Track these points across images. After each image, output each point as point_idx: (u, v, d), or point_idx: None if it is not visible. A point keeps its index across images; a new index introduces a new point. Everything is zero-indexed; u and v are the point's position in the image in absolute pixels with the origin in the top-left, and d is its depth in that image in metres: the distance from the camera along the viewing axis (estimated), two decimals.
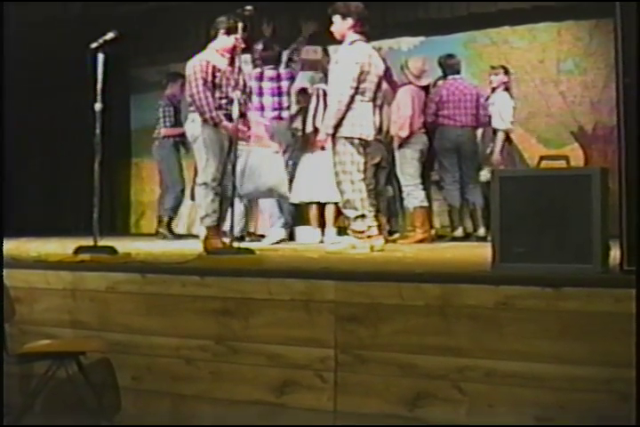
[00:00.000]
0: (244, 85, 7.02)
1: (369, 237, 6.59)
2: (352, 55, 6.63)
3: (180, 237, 9.69)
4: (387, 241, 7.41)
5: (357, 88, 6.57)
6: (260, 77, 8.55)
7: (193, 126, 6.74)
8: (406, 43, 10.60)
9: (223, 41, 6.81)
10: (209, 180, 6.66)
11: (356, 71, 6.54)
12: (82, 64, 5.96)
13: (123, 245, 6.39)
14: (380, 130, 8.27)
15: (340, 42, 6.84)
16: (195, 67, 6.69)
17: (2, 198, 7.27)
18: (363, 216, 6.59)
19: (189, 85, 6.68)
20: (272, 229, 8.57)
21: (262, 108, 8.47)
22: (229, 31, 6.74)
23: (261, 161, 7.47)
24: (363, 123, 6.66)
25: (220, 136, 6.64)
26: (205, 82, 6.61)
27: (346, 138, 6.58)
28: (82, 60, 5.96)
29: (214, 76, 6.65)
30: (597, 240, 4.03)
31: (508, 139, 8.66)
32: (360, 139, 6.64)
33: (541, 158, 4.59)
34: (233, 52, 6.71)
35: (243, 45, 6.68)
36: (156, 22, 11.04)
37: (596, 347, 3.73)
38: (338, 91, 6.59)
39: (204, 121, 6.62)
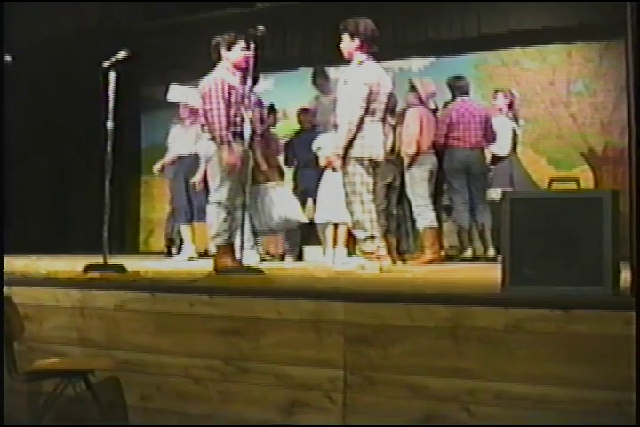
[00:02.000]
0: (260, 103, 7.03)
1: (378, 257, 6.59)
2: (361, 75, 6.63)
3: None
4: (394, 261, 7.44)
5: (367, 108, 6.58)
6: None
7: (207, 145, 6.74)
8: (417, 63, 10.65)
9: (229, 58, 6.82)
10: (223, 199, 6.65)
11: (364, 91, 6.55)
12: (94, 81, 5.97)
13: (132, 264, 6.39)
14: (392, 150, 8.30)
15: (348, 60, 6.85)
16: (210, 85, 6.68)
17: (3, 214, 7.27)
18: (372, 237, 6.59)
19: (204, 103, 6.69)
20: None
21: None
22: (230, 46, 6.78)
23: (271, 197, 7.62)
24: (372, 143, 6.65)
25: (233, 155, 6.63)
26: (221, 100, 6.60)
27: (356, 159, 6.58)
28: (94, 77, 5.97)
29: (229, 94, 6.65)
30: (608, 263, 4.02)
31: (503, 160, 8.74)
32: (370, 160, 6.64)
33: (552, 181, 4.56)
34: (243, 70, 6.73)
35: (252, 62, 6.68)
36: (169, 41, 11.11)
37: (607, 370, 3.71)
38: (348, 111, 6.59)
39: (213, 139, 6.63)
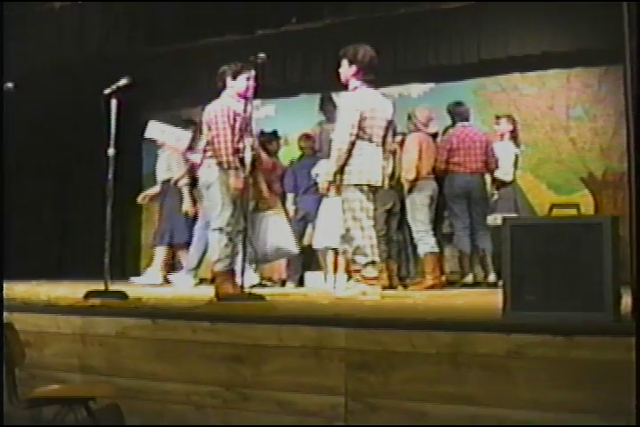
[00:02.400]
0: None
1: (372, 279, 6.60)
2: (352, 102, 6.69)
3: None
4: (390, 286, 7.46)
5: (358, 135, 6.61)
6: None
7: (208, 172, 6.78)
8: (416, 89, 10.68)
9: (233, 86, 6.92)
10: (224, 225, 6.68)
11: (355, 118, 6.59)
12: (96, 109, 6.00)
13: (133, 290, 6.40)
14: (392, 176, 8.33)
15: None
16: (216, 111, 6.78)
17: (2, 238, 7.28)
18: (373, 263, 6.59)
19: (210, 130, 6.75)
20: (181, 275, 8.71)
21: None
22: (235, 75, 6.88)
23: (266, 225, 7.65)
24: (371, 169, 6.68)
25: (240, 180, 6.65)
26: (227, 126, 6.70)
27: (355, 185, 6.60)
28: (96, 104, 6.00)
29: (235, 121, 6.73)
30: (609, 288, 4.02)
31: (506, 186, 8.76)
32: (369, 185, 6.66)
33: (552, 206, 4.57)
34: (245, 97, 6.78)
35: (253, 90, 6.76)
36: (169, 67, 11.15)
37: (609, 396, 3.70)
38: (338, 138, 6.65)
39: (219, 164, 6.66)
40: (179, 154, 9.13)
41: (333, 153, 6.66)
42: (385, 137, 6.87)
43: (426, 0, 9.18)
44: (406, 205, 8.47)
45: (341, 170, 6.61)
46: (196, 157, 7.93)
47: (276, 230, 8.02)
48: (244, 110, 6.66)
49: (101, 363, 5.12)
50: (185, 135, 8.81)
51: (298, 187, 9.15)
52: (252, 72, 6.56)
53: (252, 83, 6.61)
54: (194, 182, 8.88)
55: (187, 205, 9.24)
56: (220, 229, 6.69)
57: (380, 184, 6.80)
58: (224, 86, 6.98)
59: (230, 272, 6.74)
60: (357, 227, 6.60)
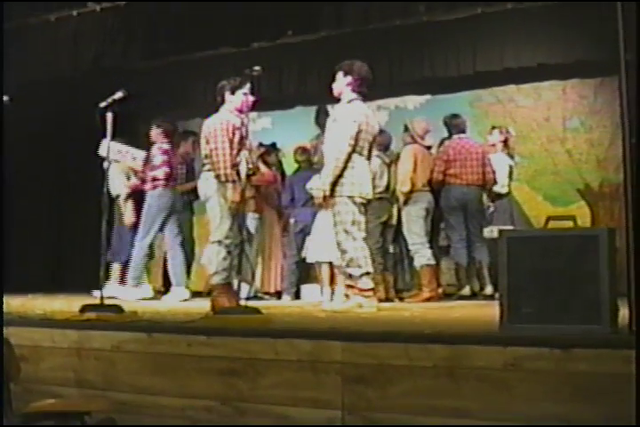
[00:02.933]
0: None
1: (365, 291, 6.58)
2: (350, 113, 6.69)
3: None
4: (387, 299, 7.44)
5: (354, 146, 6.61)
6: None
7: (207, 185, 6.79)
8: (412, 101, 10.69)
9: (232, 101, 6.95)
10: (222, 237, 6.68)
11: (353, 129, 6.59)
12: (92, 120, 5.99)
13: (129, 304, 6.38)
14: (387, 188, 8.32)
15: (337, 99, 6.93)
16: (215, 125, 6.81)
17: (2, 254, 7.27)
18: (368, 273, 6.57)
19: (208, 143, 6.77)
20: (177, 288, 8.73)
21: None
22: (233, 90, 6.92)
23: None
24: (362, 181, 6.69)
25: (238, 193, 6.67)
26: (226, 140, 6.72)
27: (348, 197, 6.60)
28: (92, 116, 5.99)
29: (233, 135, 6.76)
30: (606, 301, 4.01)
31: (502, 198, 8.75)
32: (360, 197, 6.66)
33: (549, 218, 4.57)
34: (242, 111, 6.83)
35: (250, 103, 6.82)
36: (165, 79, 11.15)
37: (606, 409, 3.69)
38: (335, 148, 6.64)
39: (217, 177, 6.67)
40: (120, 170, 9.24)
41: (330, 164, 6.65)
42: (370, 151, 6.88)
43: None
44: (402, 218, 8.45)
45: (338, 181, 6.60)
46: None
47: None
48: (242, 124, 6.70)
49: (97, 377, 5.10)
50: (140, 155, 9.03)
51: (295, 200, 9.14)
52: (249, 86, 6.61)
53: (249, 97, 6.75)
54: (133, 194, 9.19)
55: (128, 218, 9.25)
56: (219, 242, 6.68)
57: (370, 196, 6.80)
58: (222, 101, 7.00)
59: (227, 285, 6.73)
60: (350, 239, 6.58)
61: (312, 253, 8.42)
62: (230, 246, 6.70)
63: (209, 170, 6.80)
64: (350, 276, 6.63)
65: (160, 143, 9.02)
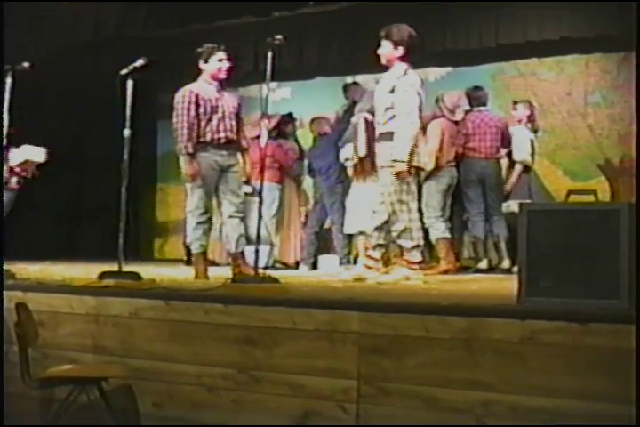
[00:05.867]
0: (238, 112, 6.99)
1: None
2: (413, 84, 6.56)
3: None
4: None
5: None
6: None
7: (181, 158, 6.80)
8: (433, 73, 10.62)
9: (206, 69, 6.89)
10: (192, 208, 6.78)
11: (418, 100, 6.52)
12: (112, 89, 5.97)
13: (147, 271, 6.39)
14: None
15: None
16: (178, 98, 6.78)
17: (2, 219, 7.27)
18: (418, 246, 6.52)
19: (174, 115, 6.76)
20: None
21: None
22: (207, 58, 6.86)
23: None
24: (421, 151, 6.63)
25: (203, 166, 6.69)
26: (185, 112, 6.67)
27: (415, 167, 6.56)
28: (112, 84, 5.96)
29: (197, 105, 6.70)
30: (625, 276, 3.99)
31: (525, 171, 8.66)
32: (418, 167, 6.60)
33: (569, 192, 4.54)
34: (220, 80, 6.85)
35: (226, 71, 6.85)
36: (185, 48, 11.10)
37: (623, 383, 3.67)
38: (407, 119, 6.48)
39: (179, 150, 6.69)
40: None
41: (406, 134, 6.47)
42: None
43: None
44: (422, 191, 8.39)
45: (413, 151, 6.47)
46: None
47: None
48: (218, 92, 6.73)
49: (114, 344, 5.12)
50: (41, 151, 9.00)
51: (313, 171, 9.11)
52: (223, 54, 6.70)
53: (224, 64, 6.72)
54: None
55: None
56: (191, 213, 6.81)
57: (427, 167, 6.75)
58: (199, 70, 6.94)
59: (203, 254, 6.88)
60: (405, 210, 6.51)
61: (352, 223, 8.22)
62: (201, 217, 6.75)
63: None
64: (400, 247, 6.57)
65: None
